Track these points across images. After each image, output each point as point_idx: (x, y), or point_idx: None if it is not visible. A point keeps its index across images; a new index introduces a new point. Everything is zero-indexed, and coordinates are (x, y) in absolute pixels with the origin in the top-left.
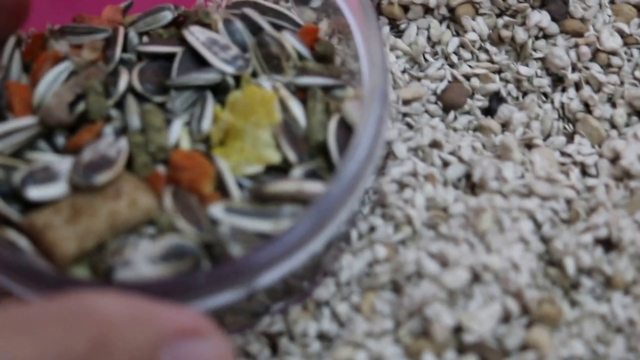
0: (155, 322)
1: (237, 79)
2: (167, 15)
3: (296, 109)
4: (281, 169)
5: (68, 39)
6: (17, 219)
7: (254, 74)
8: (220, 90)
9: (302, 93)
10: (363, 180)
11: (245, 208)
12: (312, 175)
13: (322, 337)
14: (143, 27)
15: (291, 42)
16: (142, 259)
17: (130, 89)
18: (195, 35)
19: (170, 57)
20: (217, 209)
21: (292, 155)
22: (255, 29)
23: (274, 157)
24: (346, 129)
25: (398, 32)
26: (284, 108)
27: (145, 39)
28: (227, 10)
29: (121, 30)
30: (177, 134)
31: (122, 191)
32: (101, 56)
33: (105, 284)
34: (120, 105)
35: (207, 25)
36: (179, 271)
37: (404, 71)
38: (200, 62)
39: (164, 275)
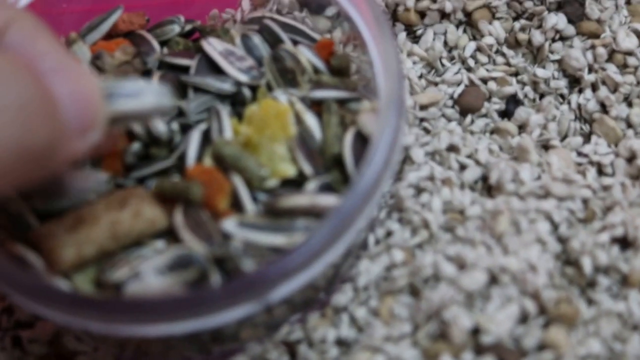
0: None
1: (254, 92)
2: (175, 29)
3: (311, 122)
4: (297, 182)
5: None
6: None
7: (269, 88)
8: (237, 102)
9: (318, 106)
10: (379, 189)
11: (258, 222)
12: (327, 188)
13: (341, 343)
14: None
15: (307, 55)
16: (150, 270)
17: None
18: (213, 46)
19: (188, 69)
20: (230, 224)
21: (307, 169)
22: (273, 42)
23: (290, 171)
24: (362, 142)
25: (415, 38)
26: (299, 121)
27: (164, 49)
28: (244, 25)
29: (150, 36)
30: (197, 146)
31: (127, 202)
32: (132, 60)
33: (115, 300)
34: None
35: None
36: (186, 281)
37: (420, 76)
38: (217, 71)
39: (171, 286)
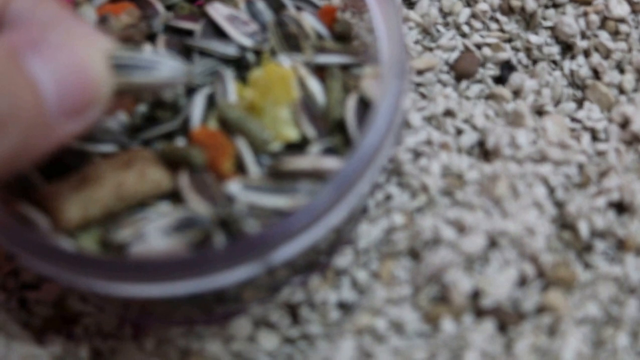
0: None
1: (258, 56)
2: None
3: (315, 87)
4: (300, 146)
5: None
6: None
7: (273, 53)
8: (241, 67)
9: (321, 72)
10: (382, 153)
11: (262, 185)
12: (329, 151)
13: (342, 305)
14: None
15: (310, 21)
16: (155, 231)
17: None
18: (218, 10)
19: (192, 33)
20: (234, 186)
21: (311, 132)
22: (277, 7)
23: (293, 135)
24: (364, 107)
25: (410, 4)
26: (303, 86)
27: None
28: None
29: (157, 2)
30: (201, 109)
31: (132, 163)
32: (138, 24)
33: (121, 259)
34: None
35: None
36: (190, 242)
37: (416, 42)
38: (221, 36)
39: (175, 247)
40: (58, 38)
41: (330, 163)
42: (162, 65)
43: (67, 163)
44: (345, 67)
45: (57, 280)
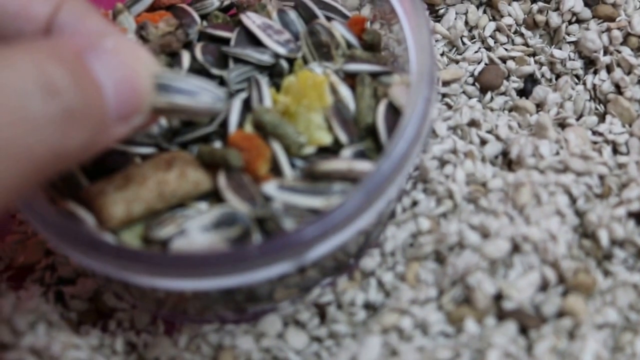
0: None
1: (291, 64)
2: (214, 3)
3: (346, 93)
4: (332, 151)
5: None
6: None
7: (305, 61)
8: (274, 74)
9: (351, 79)
10: (411, 158)
11: (297, 186)
12: (361, 155)
13: (368, 306)
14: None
15: (340, 31)
16: (196, 228)
17: (192, 67)
18: (252, 19)
19: (228, 41)
20: (270, 187)
21: (343, 137)
22: (308, 17)
23: (326, 139)
24: (393, 113)
25: (437, 17)
26: (334, 93)
27: (204, 22)
28: (279, 1)
29: (191, 9)
30: (238, 113)
31: (173, 164)
32: (175, 32)
33: (161, 253)
34: None
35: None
36: (229, 238)
37: (442, 54)
38: (256, 44)
39: (215, 243)
40: (112, 45)
41: (363, 166)
42: (205, 92)
43: (110, 164)
44: (374, 75)
45: (101, 273)
